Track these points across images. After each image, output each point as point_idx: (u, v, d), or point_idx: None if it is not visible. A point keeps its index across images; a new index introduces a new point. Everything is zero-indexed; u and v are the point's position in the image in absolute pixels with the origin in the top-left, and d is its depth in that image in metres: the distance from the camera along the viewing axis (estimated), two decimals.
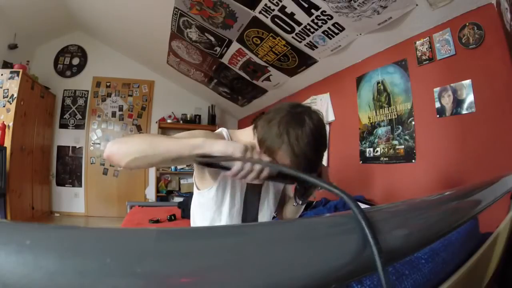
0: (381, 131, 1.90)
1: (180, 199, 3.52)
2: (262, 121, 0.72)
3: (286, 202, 0.98)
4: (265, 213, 0.91)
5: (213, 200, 0.80)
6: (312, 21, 1.81)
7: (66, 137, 4.34)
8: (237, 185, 0.82)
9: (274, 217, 1.16)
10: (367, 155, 2.02)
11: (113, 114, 4.51)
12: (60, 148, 4.33)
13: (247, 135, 0.78)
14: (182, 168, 4.39)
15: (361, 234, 0.23)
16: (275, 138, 0.68)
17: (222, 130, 0.85)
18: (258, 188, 0.88)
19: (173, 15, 2.50)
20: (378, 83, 1.94)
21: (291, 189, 0.94)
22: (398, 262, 0.53)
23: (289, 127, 0.67)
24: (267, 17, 1.98)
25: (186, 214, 2.39)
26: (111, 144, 0.59)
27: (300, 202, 0.84)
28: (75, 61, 4.43)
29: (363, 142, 2.07)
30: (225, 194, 0.81)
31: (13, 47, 3.52)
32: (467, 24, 1.37)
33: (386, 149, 1.86)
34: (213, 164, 0.57)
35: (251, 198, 0.86)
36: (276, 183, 0.91)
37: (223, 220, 0.81)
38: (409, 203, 0.35)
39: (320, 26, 1.83)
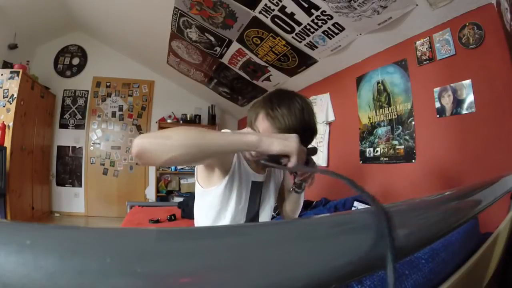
0: (381, 131, 1.90)
1: (180, 199, 3.52)
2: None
3: (286, 195, 0.98)
4: (267, 210, 0.91)
5: (220, 198, 0.80)
6: (312, 21, 1.81)
7: (66, 137, 4.34)
8: (243, 182, 0.83)
9: (273, 217, 1.16)
10: (367, 155, 2.02)
11: (113, 114, 4.51)
12: (60, 148, 4.33)
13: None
14: (182, 168, 4.39)
15: (377, 230, 0.23)
16: (257, 108, 0.73)
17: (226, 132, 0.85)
18: (259, 185, 0.88)
19: (173, 15, 2.50)
20: (378, 83, 1.94)
21: (290, 181, 0.95)
22: (398, 262, 0.53)
23: (273, 98, 0.72)
24: (267, 17, 1.98)
25: (186, 214, 2.39)
26: (143, 140, 0.54)
27: (300, 190, 0.87)
28: (75, 61, 4.43)
29: (363, 142, 2.07)
30: (232, 192, 0.81)
31: (13, 47, 3.52)
32: (467, 24, 1.37)
33: (386, 149, 1.86)
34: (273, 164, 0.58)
35: (254, 194, 0.87)
36: (276, 177, 0.95)
37: (228, 217, 0.82)
38: (409, 203, 0.35)
39: (320, 26, 1.83)
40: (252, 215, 0.88)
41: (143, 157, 0.54)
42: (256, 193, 0.87)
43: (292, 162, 0.56)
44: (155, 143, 0.54)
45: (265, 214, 0.91)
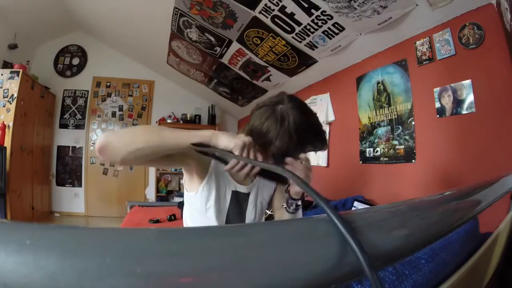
0: (381, 131, 1.90)
1: (180, 199, 3.52)
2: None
3: (276, 213, 0.96)
4: (259, 221, 0.91)
5: (199, 203, 0.82)
6: (312, 21, 1.81)
7: (66, 137, 4.34)
8: (222, 191, 0.83)
9: (273, 217, 1.14)
10: (367, 155, 2.02)
11: (113, 114, 4.51)
12: (60, 148, 4.33)
13: None
14: (182, 169, 4.38)
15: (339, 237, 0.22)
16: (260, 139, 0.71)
17: None
18: (244, 196, 0.87)
19: (173, 15, 2.50)
20: (378, 83, 1.94)
21: (280, 198, 0.92)
22: (398, 262, 0.53)
23: (265, 131, 0.70)
24: (267, 17, 1.98)
25: None
26: (106, 135, 0.55)
27: (295, 206, 0.83)
28: (75, 61, 4.43)
29: (363, 142, 2.07)
30: (209, 200, 0.81)
31: (13, 47, 3.52)
32: (467, 24, 1.37)
33: (386, 149, 1.86)
34: (211, 154, 0.61)
35: (235, 205, 0.86)
36: (264, 191, 0.92)
37: (211, 224, 0.82)
38: (409, 203, 0.35)
39: (320, 26, 1.83)
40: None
41: (104, 151, 0.55)
42: (238, 204, 0.86)
43: (232, 163, 0.58)
44: (116, 138, 0.56)
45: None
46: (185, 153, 0.71)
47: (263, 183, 0.91)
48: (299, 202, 0.82)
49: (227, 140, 0.58)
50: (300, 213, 0.86)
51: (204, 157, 0.68)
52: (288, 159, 0.72)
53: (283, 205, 0.85)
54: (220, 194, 0.82)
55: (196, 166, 0.78)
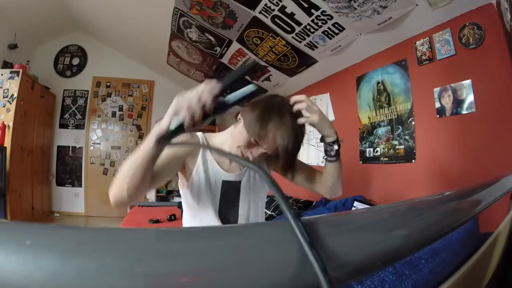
0: (381, 131, 1.90)
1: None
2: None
3: (305, 173, 0.95)
4: (252, 211, 0.89)
5: (191, 198, 0.83)
6: (312, 21, 1.81)
7: (66, 137, 4.34)
8: (212, 182, 0.84)
9: (273, 217, 1.14)
10: (367, 155, 2.01)
11: (113, 114, 4.51)
12: (60, 148, 4.33)
13: (225, 136, 0.86)
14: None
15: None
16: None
17: (198, 134, 0.87)
18: (234, 184, 0.87)
19: (173, 15, 2.50)
20: (378, 83, 1.94)
21: (279, 168, 0.88)
22: (398, 262, 0.53)
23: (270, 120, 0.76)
24: (267, 17, 1.98)
25: None
26: (110, 191, 0.63)
27: (332, 157, 0.85)
28: (75, 61, 4.43)
29: (363, 142, 2.06)
30: (200, 193, 0.83)
31: (13, 47, 3.52)
32: (467, 24, 1.37)
33: (386, 149, 1.86)
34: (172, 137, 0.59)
35: (228, 195, 0.86)
36: (258, 179, 0.91)
37: (204, 219, 0.83)
38: (409, 203, 0.35)
39: (320, 26, 1.83)
40: (231, 216, 0.86)
41: (118, 203, 0.62)
42: (230, 193, 0.86)
43: (186, 121, 0.54)
44: (114, 192, 0.62)
45: (252, 216, 0.89)
46: (171, 157, 0.73)
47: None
48: (336, 147, 0.82)
49: (168, 115, 0.58)
50: (339, 161, 0.86)
51: (186, 148, 0.76)
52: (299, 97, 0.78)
53: (323, 157, 0.84)
54: (210, 185, 0.83)
55: (185, 160, 0.81)
